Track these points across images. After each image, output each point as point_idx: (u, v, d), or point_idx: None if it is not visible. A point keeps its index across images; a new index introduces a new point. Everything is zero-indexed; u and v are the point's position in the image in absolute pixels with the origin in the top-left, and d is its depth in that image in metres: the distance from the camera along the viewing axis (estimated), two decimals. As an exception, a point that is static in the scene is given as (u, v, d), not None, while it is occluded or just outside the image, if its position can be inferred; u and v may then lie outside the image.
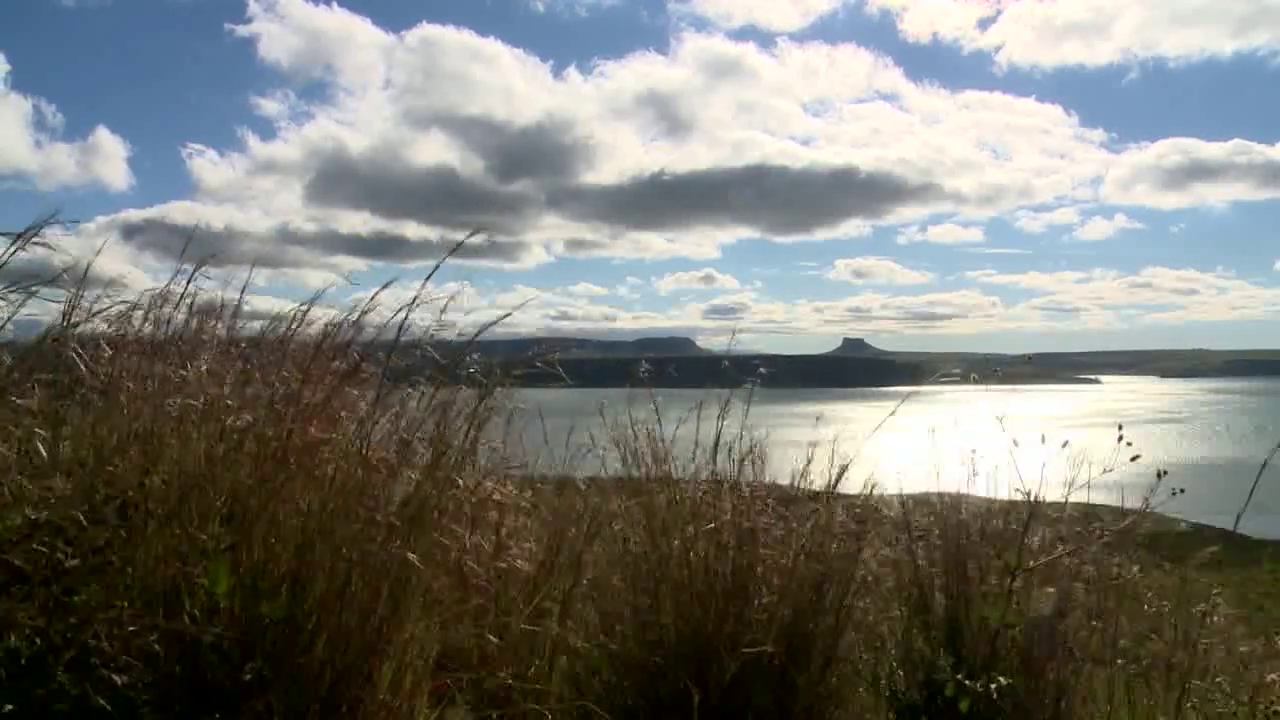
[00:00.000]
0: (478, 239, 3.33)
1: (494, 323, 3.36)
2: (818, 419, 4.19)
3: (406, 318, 3.20)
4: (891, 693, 4.06)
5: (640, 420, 3.86)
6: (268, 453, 2.83)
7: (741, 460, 3.88)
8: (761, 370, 3.97)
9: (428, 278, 3.22)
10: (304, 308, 3.43)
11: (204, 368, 3.10)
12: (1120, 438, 3.98)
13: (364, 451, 3.01)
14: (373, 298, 3.32)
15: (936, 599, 4.09)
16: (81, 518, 2.38)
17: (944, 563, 4.13)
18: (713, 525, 3.63)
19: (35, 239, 2.93)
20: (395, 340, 3.21)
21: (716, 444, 3.86)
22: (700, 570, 3.58)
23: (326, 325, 3.32)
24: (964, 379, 4.78)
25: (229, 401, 2.96)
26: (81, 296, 3.25)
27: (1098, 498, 4.28)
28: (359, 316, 3.28)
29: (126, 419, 2.84)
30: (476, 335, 3.34)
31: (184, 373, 3.07)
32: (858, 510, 4.00)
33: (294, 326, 3.41)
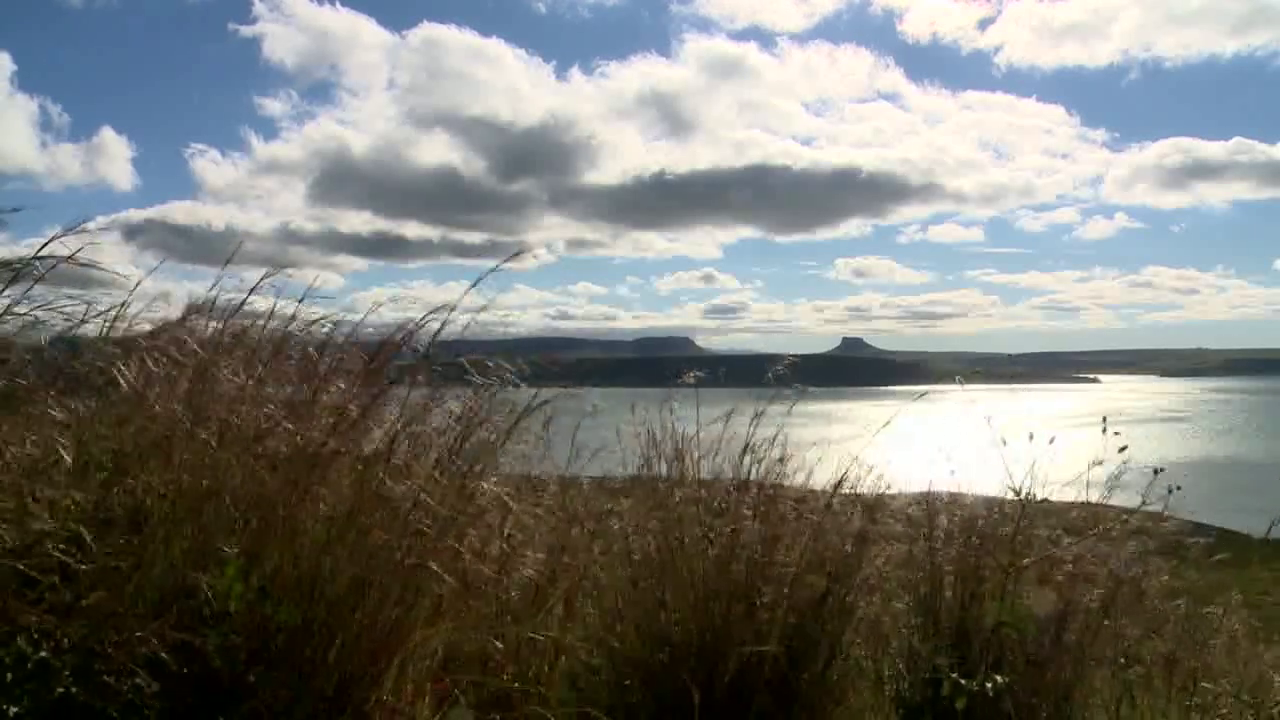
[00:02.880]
0: (483, 241, 3.34)
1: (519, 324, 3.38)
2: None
3: (442, 326, 3.21)
4: (896, 692, 4.07)
5: (662, 419, 3.87)
6: (288, 458, 2.82)
7: (762, 461, 3.90)
8: (782, 370, 3.99)
9: (471, 286, 3.24)
10: (308, 307, 3.43)
11: (224, 373, 3.08)
12: (1108, 431, 4.02)
13: (386, 457, 3.00)
14: (422, 311, 3.31)
15: (945, 597, 4.09)
16: (92, 526, 2.37)
17: (954, 561, 4.13)
18: (733, 528, 3.64)
19: (46, 250, 2.91)
20: (436, 341, 3.21)
21: (746, 447, 3.86)
22: (713, 570, 3.59)
23: (334, 326, 3.33)
24: (964, 380, 4.79)
25: (266, 411, 2.94)
26: (94, 303, 3.24)
27: (1105, 496, 4.28)
28: (364, 316, 3.29)
29: (144, 424, 2.83)
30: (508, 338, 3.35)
31: (215, 378, 3.05)
32: (865, 510, 4.01)
33: (308, 328, 3.41)
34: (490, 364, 3.28)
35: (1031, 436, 4.09)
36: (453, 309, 3.21)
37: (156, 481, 2.61)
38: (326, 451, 2.83)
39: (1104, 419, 4.12)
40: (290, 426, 2.84)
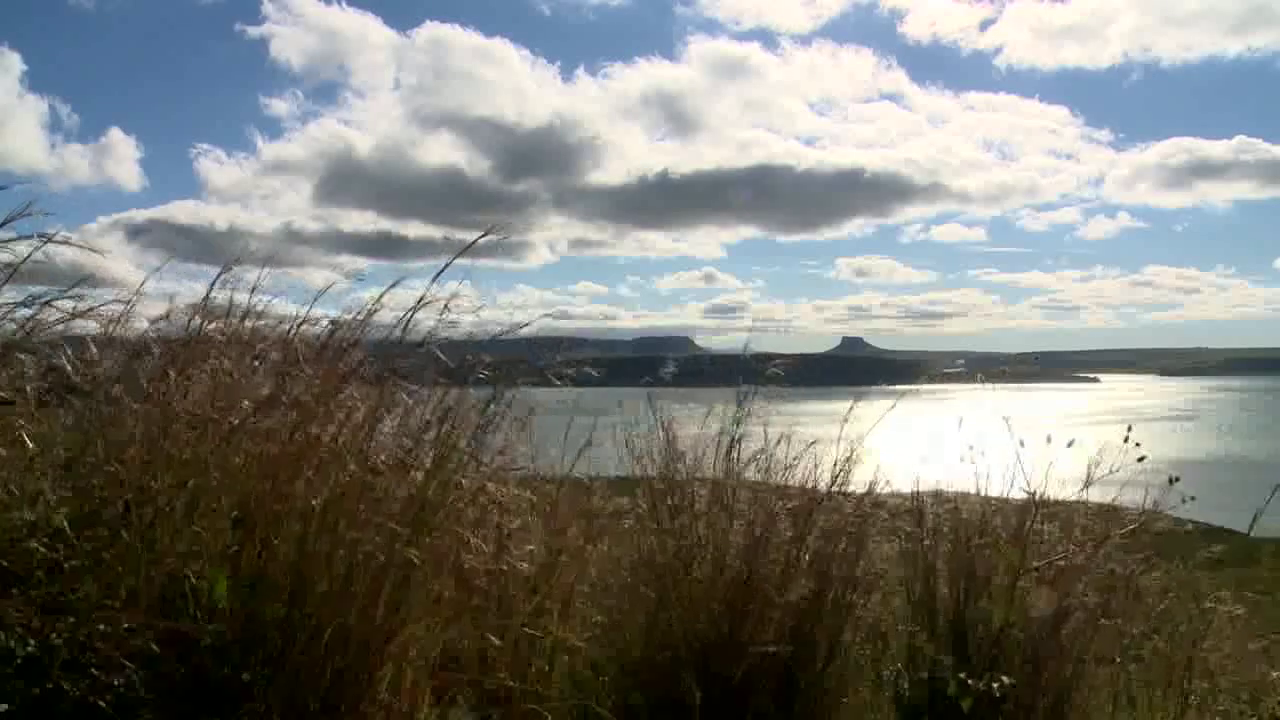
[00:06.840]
0: (485, 240, 3.29)
1: (506, 329, 3.37)
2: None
3: (410, 318, 3.19)
4: (896, 692, 4.05)
5: (656, 420, 3.86)
6: (269, 453, 2.81)
7: (753, 460, 3.88)
8: (779, 372, 3.97)
9: (433, 280, 3.20)
10: (307, 308, 3.42)
11: (207, 368, 3.08)
12: (1126, 439, 4.00)
13: (366, 452, 2.99)
14: (379, 297, 3.29)
15: (942, 596, 4.07)
16: (76, 519, 2.36)
17: (951, 560, 4.11)
18: (727, 528, 3.63)
19: (45, 239, 2.90)
20: (399, 339, 3.19)
21: (731, 445, 3.85)
22: (714, 570, 3.58)
23: (331, 325, 3.31)
24: (968, 378, 4.77)
25: (244, 403, 2.94)
26: (83, 297, 3.23)
27: (1108, 495, 4.26)
28: (367, 316, 3.27)
29: (127, 419, 2.82)
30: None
31: (194, 371, 3.04)
32: (862, 508, 3.99)
33: (298, 326, 3.40)
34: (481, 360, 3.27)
35: (1047, 440, 4.06)
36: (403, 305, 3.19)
37: (140, 475, 2.60)
38: (295, 442, 2.81)
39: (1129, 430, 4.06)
40: (254, 418, 2.83)
